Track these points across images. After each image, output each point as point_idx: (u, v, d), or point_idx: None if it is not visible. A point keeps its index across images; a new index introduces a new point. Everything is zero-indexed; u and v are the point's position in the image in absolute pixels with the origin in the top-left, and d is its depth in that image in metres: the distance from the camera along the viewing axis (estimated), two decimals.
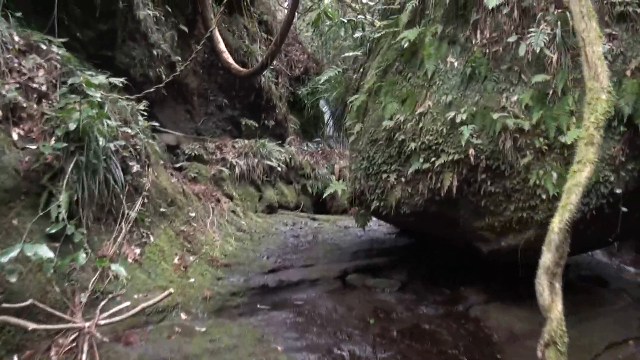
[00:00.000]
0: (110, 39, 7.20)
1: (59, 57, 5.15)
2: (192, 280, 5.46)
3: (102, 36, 7.01)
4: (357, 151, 6.02)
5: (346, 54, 7.55)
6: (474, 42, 5.07)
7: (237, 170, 9.39)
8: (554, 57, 4.61)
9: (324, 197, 8.43)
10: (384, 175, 5.59)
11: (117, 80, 5.58)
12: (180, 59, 8.73)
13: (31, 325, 3.69)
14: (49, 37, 5.29)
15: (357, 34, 7.01)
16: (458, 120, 4.83)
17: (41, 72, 4.92)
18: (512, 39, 4.77)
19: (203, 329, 4.65)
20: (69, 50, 5.46)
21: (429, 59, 5.25)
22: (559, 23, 4.62)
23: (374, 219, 6.81)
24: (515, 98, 4.73)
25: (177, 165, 8.91)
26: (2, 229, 4.06)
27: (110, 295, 4.54)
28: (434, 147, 5.08)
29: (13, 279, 3.63)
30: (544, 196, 4.61)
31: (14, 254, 3.48)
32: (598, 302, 5.79)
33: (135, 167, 5.48)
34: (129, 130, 5.54)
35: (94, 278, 4.51)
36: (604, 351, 4.72)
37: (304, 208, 10.82)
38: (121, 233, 5.09)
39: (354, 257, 7.00)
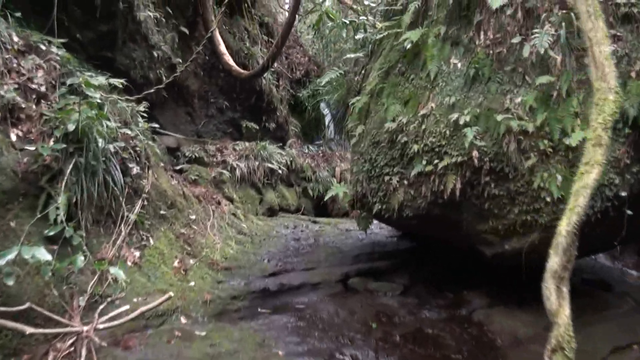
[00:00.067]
0: (110, 40, 7.15)
1: (58, 58, 5.12)
2: (192, 283, 5.41)
3: (102, 37, 6.96)
4: (359, 153, 5.96)
5: (348, 56, 7.50)
6: (477, 43, 5.03)
7: (237, 172, 9.35)
8: (559, 59, 4.57)
9: (325, 200, 8.38)
10: (386, 178, 5.54)
11: (117, 82, 5.55)
12: (180, 60, 8.70)
13: (29, 330, 3.65)
14: (49, 37, 5.25)
15: (359, 36, 6.96)
16: (461, 122, 4.78)
17: (40, 73, 4.88)
18: (516, 40, 4.72)
19: (203, 333, 4.60)
20: (68, 51, 5.43)
21: (431, 60, 5.21)
22: (563, 24, 4.57)
23: (375, 221, 6.76)
24: (519, 100, 4.67)
25: (178, 167, 8.88)
26: (0, 231, 4.02)
27: (109, 299, 4.49)
28: (437, 149, 5.03)
29: (10, 282, 3.59)
30: (548, 199, 4.56)
31: (11, 256, 3.45)
32: (602, 306, 5.75)
33: (135, 169, 5.44)
34: (129, 132, 5.50)
35: (93, 281, 4.47)
36: (608, 356, 4.68)
37: (305, 211, 10.77)
38: (120, 236, 5.04)
39: (356, 261, 6.95)
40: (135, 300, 4.67)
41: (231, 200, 8.68)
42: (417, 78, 5.39)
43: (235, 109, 11.24)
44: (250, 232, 7.73)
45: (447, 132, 4.94)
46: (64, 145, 4.47)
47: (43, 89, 4.81)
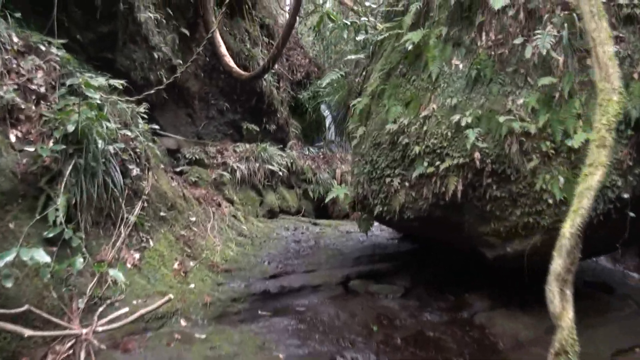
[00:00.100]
0: (110, 41, 7.13)
1: (58, 59, 5.10)
2: (192, 285, 5.38)
3: (102, 38, 6.94)
4: (360, 155, 5.94)
5: (349, 57, 7.47)
6: (479, 44, 5.00)
7: (238, 174, 9.33)
8: (561, 60, 4.54)
9: (325, 201, 8.36)
10: (388, 180, 5.51)
11: (117, 82, 5.53)
12: (181, 62, 8.67)
13: (27, 332, 3.63)
14: (49, 38, 5.23)
15: (360, 37, 6.94)
16: (463, 123, 4.75)
17: (40, 74, 4.86)
18: (518, 41, 4.69)
19: (203, 336, 4.57)
20: (68, 52, 5.41)
21: (433, 61, 5.18)
22: (565, 25, 4.55)
23: (376, 223, 6.73)
24: (521, 101, 4.65)
25: (178, 169, 8.86)
26: None
27: (108, 301, 4.48)
28: (438, 151, 5.00)
29: (9, 284, 3.57)
30: (550, 201, 4.53)
31: (9, 258, 3.43)
32: (604, 309, 5.73)
33: (135, 171, 5.42)
34: (129, 133, 5.47)
35: (92, 283, 4.45)
36: (611, 358, 4.67)
37: (306, 213, 10.75)
38: (120, 237, 5.02)
39: (356, 263, 6.93)
40: (134, 302, 4.65)
41: (231, 202, 8.66)
42: (419, 79, 5.36)
43: (236, 110, 11.22)
44: (250, 234, 7.71)
45: (449, 134, 4.91)
46: (64, 147, 4.45)
47: (43, 89, 4.79)
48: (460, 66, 5.06)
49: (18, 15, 5.16)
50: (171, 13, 8.68)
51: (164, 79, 7.85)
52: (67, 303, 4.18)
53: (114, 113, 5.44)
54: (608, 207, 4.46)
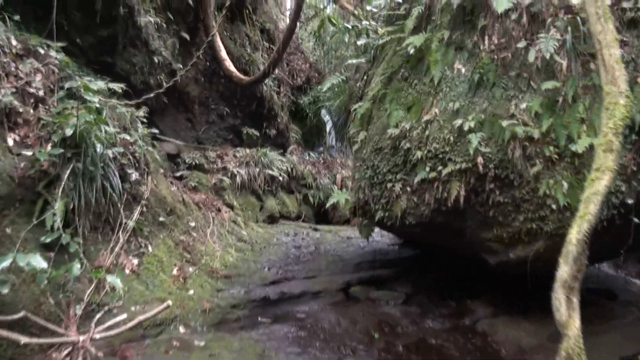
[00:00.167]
0: (110, 45, 7.11)
1: (57, 62, 5.08)
2: (191, 292, 5.33)
3: (102, 42, 6.92)
4: (361, 160, 5.89)
5: (349, 62, 7.43)
6: (481, 48, 4.96)
7: (238, 179, 9.28)
8: (564, 64, 4.49)
9: (326, 207, 8.32)
10: (389, 185, 5.46)
11: (117, 86, 5.49)
12: (181, 66, 8.64)
13: (23, 339, 3.58)
14: (48, 41, 5.19)
15: (361, 41, 6.90)
16: (466, 128, 4.71)
17: (38, 77, 4.82)
18: (521, 44, 4.66)
19: (202, 344, 4.52)
20: (68, 56, 5.38)
21: (435, 65, 5.14)
22: (569, 29, 4.51)
23: (376, 229, 6.69)
24: (524, 105, 4.60)
25: (178, 174, 8.81)
26: None
27: (106, 308, 4.43)
28: (440, 156, 4.95)
29: (5, 290, 3.54)
30: (554, 206, 4.47)
31: (6, 263, 3.40)
32: (607, 316, 5.67)
33: (134, 175, 5.37)
34: (128, 137, 5.43)
35: (90, 289, 4.40)
36: None
37: (306, 218, 10.70)
38: (118, 243, 4.97)
39: (357, 269, 6.89)
40: (133, 309, 4.60)
41: (231, 207, 8.61)
42: (421, 83, 5.32)
43: (236, 115, 11.19)
44: (250, 239, 7.66)
45: (451, 138, 4.87)
46: (62, 150, 4.41)
47: (41, 93, 4.75)
48: (463, 70, 5.02)
49: (17, 18, 5.13)
50: (171, 17, 8.67)
51: (164, 83, 7.81)
52: (64, 309, 4.13)
53: (113, 117, 5.41)
54: (612, 213, 4.41)
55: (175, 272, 5.48)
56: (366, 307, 5.95)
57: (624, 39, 4.43)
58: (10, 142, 4.34)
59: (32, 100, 4.67)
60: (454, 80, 5.05)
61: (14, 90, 4.52)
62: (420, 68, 5.38)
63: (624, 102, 3.11)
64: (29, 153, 4.35)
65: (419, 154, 5.08)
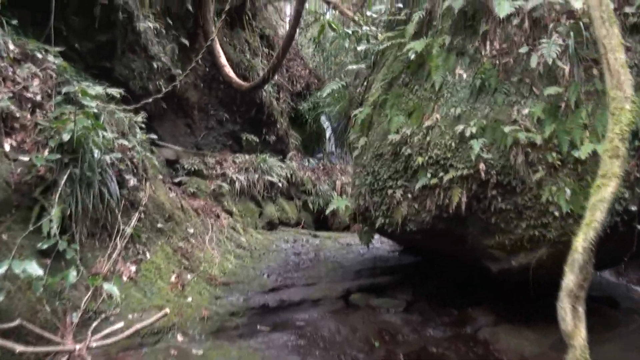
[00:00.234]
0: (109, 50, 7.07)
1: (54, 67, 5.04)
2: (189, 299, 5.27)
3: (101, 47, 6.89)
4: (362, 166, 5.85)
5: (349, 67, 7.40)
6: (483, 53, 4.93)
7: (237, 185, 9.23)
8: (567, 69, 4.46)
9: (326, 213, 8.27)
10: (390, 191, 5.41)
11: (115, 91, 5.45)
12: (180, 72, 8.60)
13: (19, 348, 3.54)
14: (46, 46, 5.16)
15: (362, 47, 6.88)
16: (467, 133, 4.67)
17: (36, 82, 4.78)
18: (523, 50, 4.62)
19: (200, 352, 4.45)
20: (66, 61, 5.36)
21: (436, 70, 5.10)
22: (571, 34, 4.48)
23: (376, 235, 6.64)
24: (526, 111, 4.56)
25: (176, 180, 8.77)
26: None
27: (103, 315, 4.37)
28: (442, 162, 4.91)
29: (0, 298, 3.52)
30: (556, 213, 4.43)
31: (1, 270, 3.40)
32: (610, 324, 5.61)
33: (132, 181, 5.33)
34: (126, 143, 5.38)
35: (87, 297, 4.35)
36: None
37: (305, 224, 10.65)
38: (116, 249, 4.92)
39: (357, 276, 6.83)
40: (130, 316, 4.55)
41: (230, 213, 8.56)
42: (422, 89, 5.28)
43: (235, 121, 11.16)
44: (249, 246, 7.60)
45: (453, 144, 4.82)
46: (59, 156, 4.37)
47: (38, 98, 4.71)
48: (464, 75, 4.99)
49: (15, 22, 5.10)
50: (171, 23, 8.64)
51: (163, 89, 7.77)
52: (60, 317, 4.08)
53: (111, 122, 5.36)
54: (615, 220, 4.36)
55: (173, 279, 5.42)
56: (366, 315, 5.89)
57: (627, 44, 4.39)
58: (7, 148, 4.29)
59: (29, 105, 4.63)
60: (456, 85, 5.02)
61: (11, 95, 4.47)
62: (421, 73, 5.35)
63: (630, 107, 3.07)
64: (26, 158, 4.30)
65: (420, 160, 5.03)
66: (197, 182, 8.75)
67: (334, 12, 13.35)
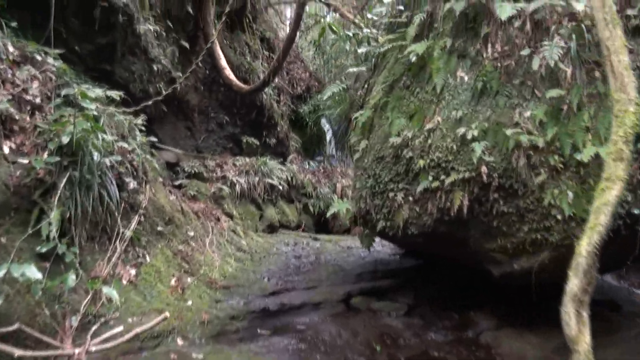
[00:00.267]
0: (109, 52, 7.05)
1: (54, 69, 5.02)
2: (189, 303, 5.24)
3: (101, 49, 6.87)
4: (362, 169, 5.82)
5: (350, 70, 7.39)
6: (484, 55, 4.90)
7: (237, 188, 9.20)
8: (569, 72, 4.44)
9: (327, 216, 8.24)
10: (391, 194, 5.38)
11: (115, 94, 5.43)
12: (181, 74, 8.58)
13: (17, 352, 3.52)
14: (45, 48, 5.14)
15: (362, 50, 6.86)
16: (469, 136, 4.64)
17: (35, 84, 4.77)
18: (525, 52, 4.60)
19: (200, 356, 4.43)
20: (66, 63, 5.34)
21: (437, 73, 5.08)
22: (573, 36, 4.46)
23: (377, 238, 6.61)
24: (528, 114, 4.54)
25: (177, 182, 8.74)
26: None
27: (102, 319, 4.36)
28: (443, 165, 4.88)
29: None
30: (559, 217, 4.40)
31: (0, 274, 3.31)
32: (613, 328, 5.58)
33: (132, 184, 5.30)
34: (126, 146, 5.36)
35: (86, 300, 4.33)
36: None
37: (306, 227, 10.61)
38: (116, 253, 4.90)
39: (358, 279, 6.79)
40: (130, 320, 4.53)
41: (231, 216, 8.53)
42: (423, 92, 5.26)
43: (236, 124, 11.15)
44: (249, 249, 7.57)
45: (454, 147, 4.80)
46: (58, 159, 4.35)
47: (38, 100, 4.69)
48: (466, 78, 4.96)
49: (14, 24, 5.09)
50: (171, 26, 8.63)
51: (163, 92, 7.76)
52: (59, 321, 4.06)
53: (111, 125, 5.34)
54: (618, 223, 4.32)
55: (173, 282, 5.39)
56: (367, 319, 5.85)
57: (629, 46, 4.36)
58: (6, 150, 4.28)
59: (28, 108, 4.62)
60: (457, 88, 4.99)
61: (10, 97, 4.46)
62: (423, 76, 5.32)
63: (634, 110, 3.04)
64: (25, 161, 4.29)
65: (421, 162, 5.00)
66: (197, 185, 8.72)
67: (334, 14, 13.35)
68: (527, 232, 4.64)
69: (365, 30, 7.09)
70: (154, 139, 6.72)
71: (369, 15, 7.71)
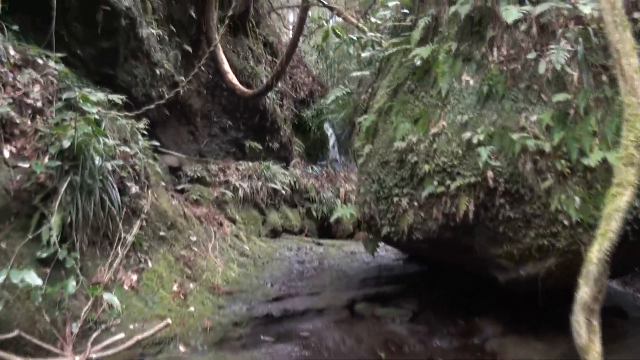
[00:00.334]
0: (111, 56, 7.03)
1: (56, 73, 5.00)
2: (191, 309, 5.19)
3: (103, 53, 6.84)
4: (367, 173, 5.77)
5: (353, 74, 7.35)
6: (490, 59, 4.85)
7: (240, 193, 9.18)
8: (575, 76, 4.37)
9: (330, 221, 8.20)
10: (396, 199, 5.33)
11: (117, 98, 5.40)
12: (183, 79, 8.57)
13: (17, 359, 3.48)
14: (47, 52, 5.12)
15: (366, 54, 6.82)
16: (475, 141, 4.58)
17: (37, 88, 4.74)
18: (531, 56, 4.54)
19: None
20: (68, 67, 5.32)
21: (442, 77, 5.03)
22: (580, 40, 4.40)
23: (381, 244, 6.55)
24: (534, 118, 4.47)
25: (179, 187, 8.73)
26: None
27: (103, 326, 4.32)
28: (449, 170, 4.82)
29: None
30: (566, 222, 4.32)
31: None
32: (620, 335, 5.49)
33: (134, 188, 5.27)
34: (128, 150, 5.33)
35: (87, 307, 4.28)
36: None
37: (309, 232, 10.58)
38: (117, 258, 4.86)
39: (362, 285, 6.73)
40: (131, 326, 4.49)
41: (233, 221, 8.51)
42: (428, 96, 5.21)
43: (239, 128, 11.13)
44: (252, 254, 7.53)
45: (460, 152, 4.74)
46: (59, 163, 4.33)
47: (39, 104, 4.66)
48: (471, 82, 4.91)
49: (16, 28, 5.06)
50: (174, 30, 8.62)
51: (166, 96, 7.73)
52: (60, 328, 4.02)
53: (113, 129, 5.32)
54: (625, 229, 4.25)
55: (175, 288, 5.35)
56: (372, 325, 5.79)
57: (637, 49, 4.32)
58: (7, 154, 4.25)
59: (29, 112, 4.59)
60: (462, 92, 4.94)
61: (11, 101, 4.43)
62: (427, 80, 5.28)
63: None
64: (26, 165, 4.26)
65: (426, 167, 4.95)
66: (200, 190, 8.70)
67: (337, 18, 13.34)
68: (534, 237, 4.56)
69: (369, 34, 7.05)
70: (156, 143, 6.68)
71: (373, 19, 7.67)
